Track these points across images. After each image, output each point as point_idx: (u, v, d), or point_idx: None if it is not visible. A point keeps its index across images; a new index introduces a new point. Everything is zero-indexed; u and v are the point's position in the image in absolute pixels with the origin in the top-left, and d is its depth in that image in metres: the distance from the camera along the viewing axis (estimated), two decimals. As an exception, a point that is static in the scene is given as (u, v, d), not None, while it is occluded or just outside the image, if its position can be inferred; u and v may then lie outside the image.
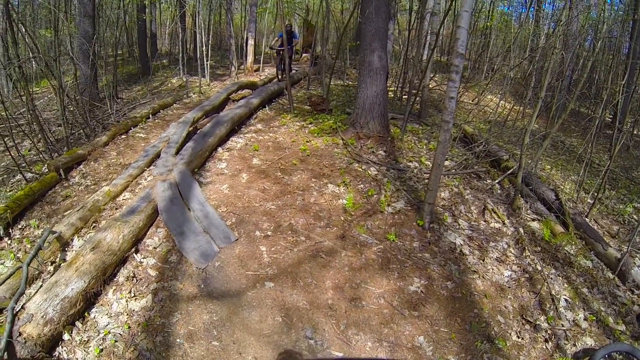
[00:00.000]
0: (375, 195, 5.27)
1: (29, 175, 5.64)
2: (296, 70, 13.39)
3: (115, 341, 3.17)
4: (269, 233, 4.50)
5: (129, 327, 3.29)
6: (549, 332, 3.70)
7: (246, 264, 4.05)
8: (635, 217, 6.08)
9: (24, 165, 5.82)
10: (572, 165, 7.82)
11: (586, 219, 5.41)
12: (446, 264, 4.30)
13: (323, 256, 4.23)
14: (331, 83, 9.89)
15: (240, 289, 3.77)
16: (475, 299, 3.92)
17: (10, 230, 4.57)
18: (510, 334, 3.64)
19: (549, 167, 7.59)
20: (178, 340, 3.25)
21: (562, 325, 3.78)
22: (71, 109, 7.59)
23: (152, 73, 12.68)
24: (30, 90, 6.45)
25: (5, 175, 5.96)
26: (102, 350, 3.10)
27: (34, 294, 3.25)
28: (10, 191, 5.46)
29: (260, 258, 4.16)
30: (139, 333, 3.25)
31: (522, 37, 14.08)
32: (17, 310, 3.05)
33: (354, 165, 6.01)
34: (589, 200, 6.24)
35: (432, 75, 9.19)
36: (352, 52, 14.95)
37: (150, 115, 8.41)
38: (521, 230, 5.00)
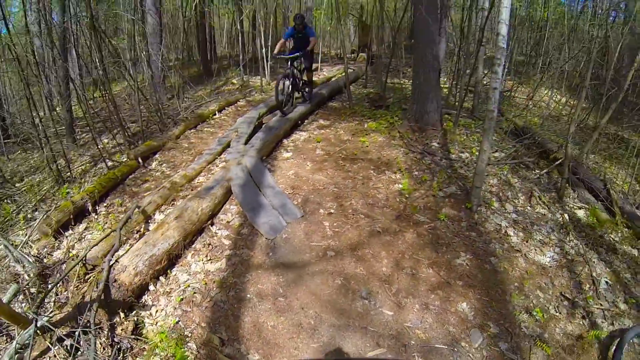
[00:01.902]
0: (428, 181, 5.42)
1: (110, 163, 6.24)
2: (353, 70, 13.34)
3: (194, 293, 3.54)
4: (332, 211, 4.74)
5: (206, 284, 3.65)
6: (587, 310, 3.66)
7: (310, 237, 4.31)
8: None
9: (105, 154, 6.46)
10: (628, 158, 7.36)
11: (636, 210, 5.10)
12: (491, 242, 4.37)
13: (380, 231, 4.41)
14: (388, 81, 10.04)
15: (305, 257, 4.03)
16: (516, 274, 3.97)
17: (97, 207, 5.15)
18: (548, 308, 3.65)
19: (601, 159, 7.22)
20: (248, 295, 3.56)
21: (601, 305, 3.71)
22: (144, 105, 8.26)
23: (214, 75, 13.34)
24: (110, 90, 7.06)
25: (89, 164, 6.65)
26: (182, 299, 3.48)
27: (126, 252, 3.72)
28: (94, 176, 6.10)
29: (324, 232, 4.40)
30: (214, 288, 3.61)
31: (578, 29, 13.28)
32: (112, 262, 3.52)
33: (410, 156, 6.14)
34: (641, 191, 5.91)
35: (485, 72, 8.96)
36: (407, 50, 14.91)
37: (217, 112, 8.93)
38: (566, 216, 4.90)
